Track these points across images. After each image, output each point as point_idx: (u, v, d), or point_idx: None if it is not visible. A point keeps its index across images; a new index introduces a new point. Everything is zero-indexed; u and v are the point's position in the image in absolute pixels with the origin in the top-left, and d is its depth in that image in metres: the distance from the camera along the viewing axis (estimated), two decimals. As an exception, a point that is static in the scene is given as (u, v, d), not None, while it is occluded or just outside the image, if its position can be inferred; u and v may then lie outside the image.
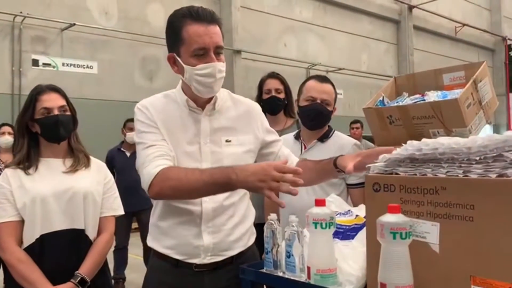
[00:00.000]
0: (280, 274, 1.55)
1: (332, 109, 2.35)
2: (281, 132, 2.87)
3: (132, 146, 5.09)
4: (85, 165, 1.99)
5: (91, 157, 2.07)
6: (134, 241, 5.19)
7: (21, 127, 1.94)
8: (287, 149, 1.86)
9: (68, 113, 1.96)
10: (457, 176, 1.19)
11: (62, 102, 1.95)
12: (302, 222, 2.16)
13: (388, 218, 1.17)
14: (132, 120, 5.14)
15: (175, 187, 1.50)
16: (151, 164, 1.54)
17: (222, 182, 1.44)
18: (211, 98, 1.69)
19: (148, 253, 5.33)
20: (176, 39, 1.61)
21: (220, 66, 1.59)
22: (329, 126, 2.41)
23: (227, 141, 1.68)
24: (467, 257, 1.14)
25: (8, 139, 4.70)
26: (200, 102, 1.69)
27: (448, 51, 16.06)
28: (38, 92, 1.93)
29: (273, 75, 3.14)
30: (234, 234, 1.69)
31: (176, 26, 1.61)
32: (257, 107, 1.84)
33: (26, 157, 1.92)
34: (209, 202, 1.63)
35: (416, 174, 1.27)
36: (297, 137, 2.43)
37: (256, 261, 1.76)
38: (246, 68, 10.64)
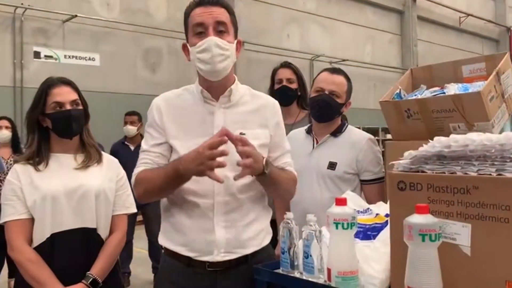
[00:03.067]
0: (298, 275, 1.50)
1: (344, 101, 2.26)
2: (292, 125, 2.77)
3: (135, 140, 5.03)
4: (97, 161, 1.91)
5: (103, 153, 1.99)
6: (139, 234, 5.13)
7: (31, 121, 1.86)
8: (288, 158, 1.80)
9: (80, 107, 1.88)
10: (490, 175, 1.12)
11: (74, 96, 1.87)
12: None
13: (417, 219, 1.11)
14: (129, 113, 5.12)
15: (146, 190, 1.60)
16: (135, 170, 1.64)
17: (174, 174, 1.50)
18: (225, 89, 1.63)
19: (153, 247, 5.26)
20: (186, 26, 1.64)
21: (217, 40, 1.54)
22: (342, 120, 2.34)
23: (241, 134, 1.61)
24: (502, 261, 1.08)
25: (6, 134, 4.60)
26: (215, 93, 1.64)
27: (452, 42, 15.91)
28: (49, 85, 1.85)
29: (285, 65, 3.00)
30: (248, 232, 1.62)
31: (185, 14, 1.64)
32: (276, 105, 1.77)
33: (37, 153, 1.85)
34: (221, 195, 1.58)
35: (444, 172, 1.21)
36: (308, 131, 2.35)
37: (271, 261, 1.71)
38: (248, 60, 10.54)
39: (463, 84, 1.87)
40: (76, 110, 1.85)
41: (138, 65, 9.20)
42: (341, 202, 1.36)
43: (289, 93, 2.89)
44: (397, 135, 1.98)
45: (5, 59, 7.76)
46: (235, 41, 1.63)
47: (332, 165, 2.19)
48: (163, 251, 1.70)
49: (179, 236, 1.62)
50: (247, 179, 1.59)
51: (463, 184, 1.15)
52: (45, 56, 8.08)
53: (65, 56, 8.24)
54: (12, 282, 4.74)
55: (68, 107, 1.83)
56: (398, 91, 2.02)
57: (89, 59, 8.51)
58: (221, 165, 1.43)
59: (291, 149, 2.35)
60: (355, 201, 1.70)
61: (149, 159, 1.63)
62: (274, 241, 2.40)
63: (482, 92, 1.68)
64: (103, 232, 1.88)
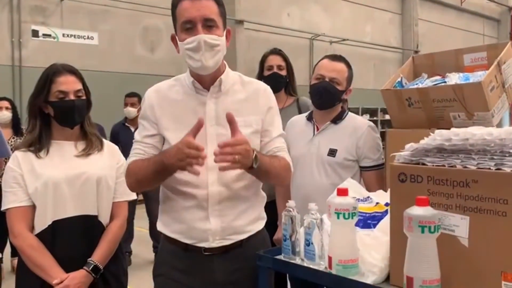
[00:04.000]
0: (299, 261, 1.54)
1: (344, 88, 2.26)
2: (280, 111, 2.81)
3: (135, 121, 5.04)
4: (97, 149, 1.93)
5: (104, 140, 2.00)
6: (140, 213, 5.19)
7: (33, 107, 1.85)
8: (280, 142, 1.75)
9: (84, 97, 1.87)
10: (489, 168, 1.15)
11: (79, 85, 1.85)
12: (313, 202, 2.14)
13: (417, 211, 1.14)
14: (129, 95, 5.11)
15: (136, 181, 1.63)
16: (128, 160, 1.67)
17: (161, 168, 1.52)
18: (215, 79, 1.64)
19: (154, 226, 5.30)
20: (173, 17, 1.61)
21: (206, 38, 1.52)
22: (342, 107, 2.35)
23: None
24: (499, 253, 1.12)
25: (6, 114, 4.60)
26: (205, 83, 1.64)
27: (453, 22, 15.79)
28: (54, 72, 1.82)
29: (276, 51, 3.03)
30: (242, 219, 1.66)
31: (173, 4, 1.60)
32: (268, 89, 1.76)
33: (38, 139, 1.85)
34: (215, 186, 1.60)
35: (444, 165, 1.23)
36: (309, 118, 2.36)
37: (268, 247, 1.76)
38: (248, 39, 10.46)
39: (464, 73, 1.88)
40: (80, 100, 1.85)
41: (137, 44, 9.14)
42: (343, 192, 1.39)
43: (279, 80, 2.92)
44: (398, 123, 2.01)
45: (3, 37, 7.69)
46: (225, 32, 1.61)
47: (332, 152, 2.21)
48: (162, 235, 1.74)
49: (176, 224, 1.66)
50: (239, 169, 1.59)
51: (463, 178, 1.18)
52: (43, 34, 8.01)
53: (63, 35, 8.17)
54: (15, 261, 4.83)
55: (72, 97, 1.83)
56: (399, 79, 2.03)
57: (88, 38, 8.44)
58: (200, 164, 1.41)
59: (291, 135, 2.38)
60: (355, 189, 1.73)
61: (141, 149, 1.66)
62: (273, 224, 2.44)
63: (482, 82, 1.69)
64: (104, 219, 1.90)
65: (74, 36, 8.29)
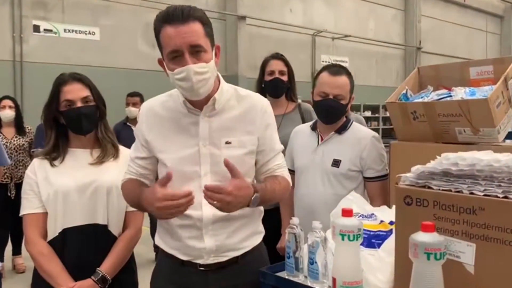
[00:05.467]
0: (302, 278, 1.53)
1: (348, 101, 2.24)
2: (282, 116, 2.81)
3: (137, 120, 5.03)
4: (113, 156, 1.92)
5: (121, 147, 1.98)
6: (140, 212, 5.17)
7: (48, 119, 1.87)
8: (280, 159, 1.73)
9: (92, 103, 1.86)
10: (496, 196, 1.13)
11: (85, 92, 1.85)
12: (317, 213, 2.13)
13: (423, 237, 1.13)
14: (131, 94, 5.09)
15: (130, 203, 1.72)
16: (123, 177, 1.72)
17: (142, 207, 1.55)
18: (208, 98, 1.59)
19: (155, 227, 5.32)
20: (158, 44, 1.54)
21: (196, 68, 1.47)
22: (346, 117, 2.33)
23: (226, 143, 1.59)
24: (505, 281, 1.11)
25: (9, 113, 4.60)
26: (198, 103, 1.60)
27: (456, 18, 15.72)
28: (60, 82, 1.85)
29: (277, 56, 2.95)
30: (237, 236, 1.64)
31: (156, 31, 1.53)
32: (265, 105, 1.69)
33: (53, 149, 1.88)
34: (209, 206, 1.53)
35: (451, 190, 1.22)
36: (313, 128, 2.35)
37: (265, 262, 1.74)
38: (250, 35, 10.43)
39: (470, 88, 1.86)
40: (87, 107, 1.84)
41: (139, 40, 9.10)
42: (347, 213, 1.37)
43: (281, 86, 2.86)
44: (403, 136, 1.99)
45: (4, 32, 7.67)
46: (213, 51, 1.55)
47: (336, 163, 2.20)
48: (159, 249, 1.74)
49: (172, 241, 1.66)
50: None
51: (470, 204, 1.17)
52: (45, 30, 7.98)
53: (64, 30, 8.14)
54: (16, 259, 4.85)
55: (79, 104, 1.83)
56: (404, 91, 2.02)
57: (89, 33, 8.41)
58: (189, 204, 1.42)
59: (296, 145, 2.37)
60: (359, 204, 1.72)
61: (134, 168, 1.69)
62: (275, 232, 2.43)
63: (489, 99, 1.68)
64: (114, 229, 1.89)
65: (76, 31, 8.26)
